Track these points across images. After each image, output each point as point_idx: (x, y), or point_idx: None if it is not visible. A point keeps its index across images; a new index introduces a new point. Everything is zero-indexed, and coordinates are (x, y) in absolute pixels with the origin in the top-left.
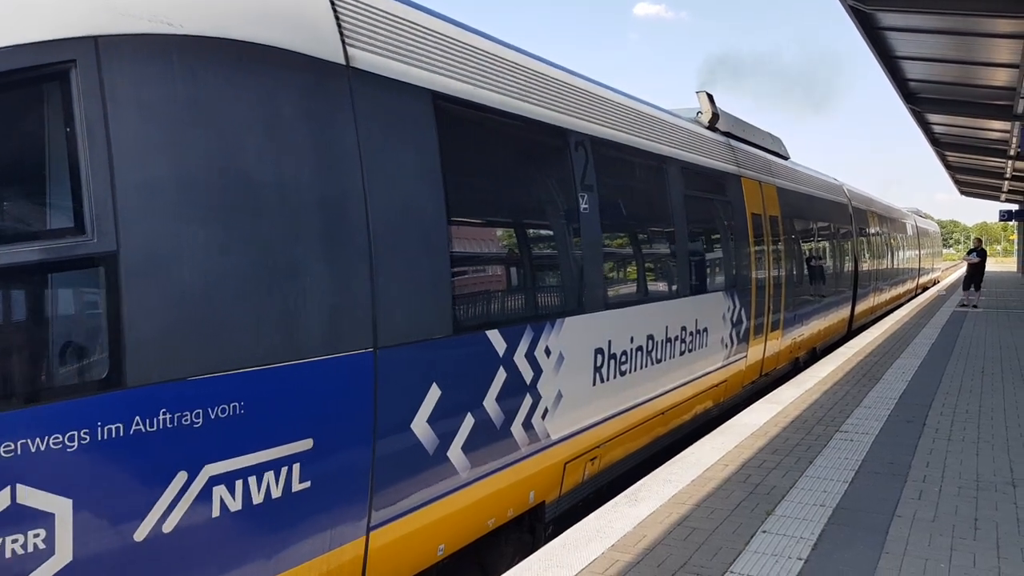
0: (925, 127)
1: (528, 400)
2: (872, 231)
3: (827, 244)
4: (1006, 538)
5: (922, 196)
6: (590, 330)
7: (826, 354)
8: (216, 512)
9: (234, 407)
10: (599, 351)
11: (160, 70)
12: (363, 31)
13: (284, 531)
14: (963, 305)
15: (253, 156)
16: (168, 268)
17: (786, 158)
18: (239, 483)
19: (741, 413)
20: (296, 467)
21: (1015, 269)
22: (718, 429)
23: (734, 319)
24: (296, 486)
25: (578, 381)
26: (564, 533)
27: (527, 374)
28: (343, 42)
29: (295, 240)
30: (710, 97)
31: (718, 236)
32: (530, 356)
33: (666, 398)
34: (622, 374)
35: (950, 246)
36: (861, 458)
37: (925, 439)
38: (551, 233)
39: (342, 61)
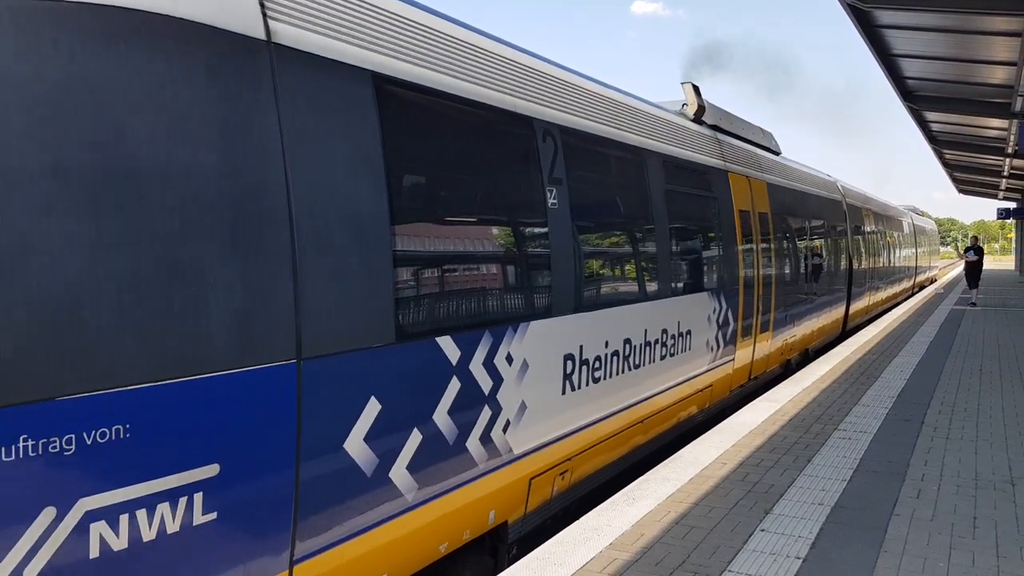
0: (923, 125)
1: (487, 412)
2: (867, 229)
3: (820, 242)
4: (1005, 537)
5: (920, 194)
6: (559, 335)
7: (819, 355)
8: (95, 552)
9: (117, 430)
10: (569, 357)
11: (28, 42)
12: (289, 2)
13: (183, 570)
14: (972, 304)
15: (143, 142)
16: (30, 269)
17: (777, 153)
18: (124, 518)
19: (739, 411)
20: (198, 497)
21: (1013, 267)
22: (716, 428)
23: (720, 321)
24: (198, 518)
25: (545, 390)
26: (561, 531)
27: (485, 384)
28: (264, 14)
29: (197, 237)
30: (696, 88)
31: (703, 234)
32: (489, 364)
33: (646, 405)
34: (596, 381)
35: (947, 244)
36: (859, 457)
37: (924, 437)
38: (513, 230)
39: (262, 36)
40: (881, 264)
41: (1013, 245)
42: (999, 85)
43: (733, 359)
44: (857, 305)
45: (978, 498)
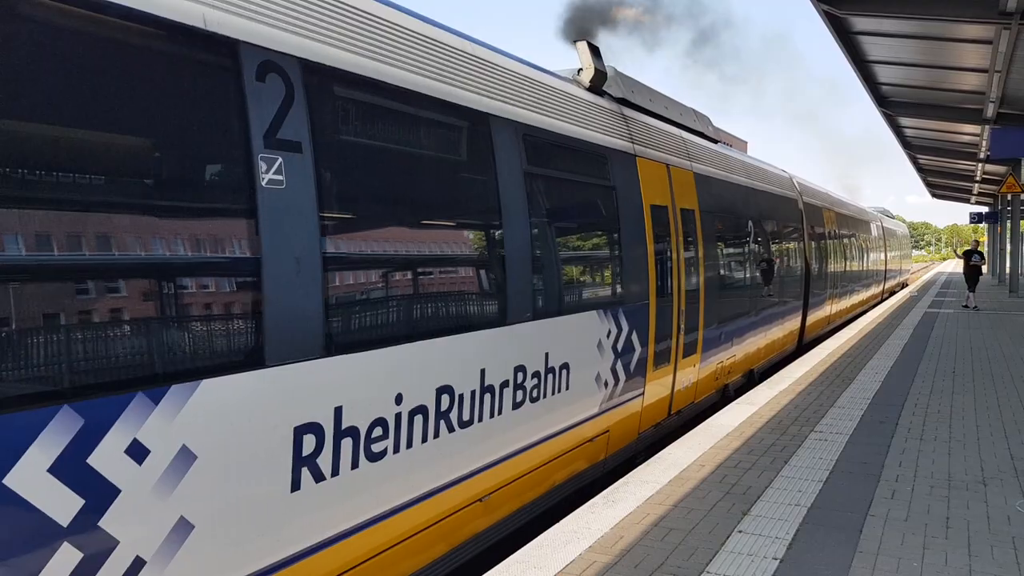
0: (897, 130)
1: (67, 555)
2: (828, 231)
3: (768, 245)
4: (977, 536)
5: (893, 198)
6: (280, 395)
7: (767, 376)
8: None
9: None
10: (309, 430)
11: None
12: None
13: None
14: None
15: None
16: None
17: (715, 141)
18: None
19: (716, 414)
20: None
21: (984, 270)
22: (694, 430)
23: (620, 346)
24: None
25: (244, 491)
26: (541, 535)
27: (59, 506)
28: None
29: None
30: (593, 50)
31: (591, 234)
32: (73, 468)
33: (486, 476)
34: (375, 458)
35: (921, 248)
36: (835, 458)
37: (898, 439)
38: (152, 219)
39: None
40: (845, 269)
41: (985, 249)
42: (971, 91)
43: (642, 393)
44: (816, 315)
45: (951, 499)
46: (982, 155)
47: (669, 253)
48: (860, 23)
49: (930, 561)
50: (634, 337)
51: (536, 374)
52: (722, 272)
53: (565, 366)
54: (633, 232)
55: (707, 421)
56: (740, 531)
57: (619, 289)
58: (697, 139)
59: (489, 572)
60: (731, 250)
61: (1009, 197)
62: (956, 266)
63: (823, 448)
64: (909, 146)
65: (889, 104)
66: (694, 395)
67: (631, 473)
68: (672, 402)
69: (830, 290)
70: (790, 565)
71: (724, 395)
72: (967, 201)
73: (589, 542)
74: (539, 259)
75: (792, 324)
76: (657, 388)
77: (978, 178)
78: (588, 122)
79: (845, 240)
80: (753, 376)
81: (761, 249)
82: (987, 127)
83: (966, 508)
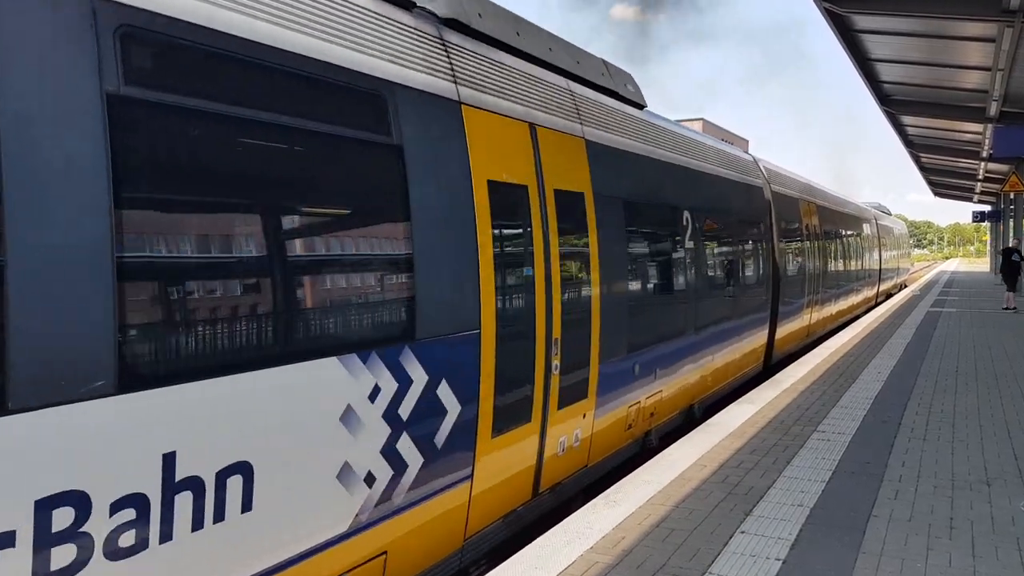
0: (899, 129)
1: None
2: (806, 227)
3: (716, 243)
4: (981, 537)
5: (894, 196)
6: None
7: (712, 414)
8: None
9: None
10: None
11: None
12: None
13: None
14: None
15: None
16: None
17: (640, 106)
18: None
19: (719, 413)
20: None
21: (987, 270)
22: (696, 429)
23: (408, 410)
24: None
25: None
26: (542, 536)
27: None
28: None
29: None
30: None
31: (328, 221)
32: None
33: None
34: None
35: (924, 247)
36: (838, 458)
37: (901, 439)
38: None
39: None
40: (828, 271)
41: (988, 248)
42: (974, 90)
43: (470, 476)
44: (788, 327)
45: (955, 499)
46: (985, 153)
47: (530, 255)
48: (862, 21)
49: (934, 562)
50: (444, 390)
51: (135, 501)
52: (637, 280)
53: (240, 469)
54: (443, 221)
55: (709, 420)
56: (742, 532)
57: (404, 315)
58: (602, 97)
59: (491, 572)
60: (654, 250)
61: (1012, 196)
62: (958, 265)
63: (826, 448)
64: (911, 144)
65: (891, 102)
66: (587, 457)
67: (632, 473)
68: (540, 476)
69: (808, 296)
70: (793, 566)
71: (643, 445)
72: (970, 200)
73: (590, 542)
74: (144, 269)
75: (755, 340)
76: (504, 462)
77: (981, 177)
78: (336, 33)
79: (829, 238)
80: (693, 413)
81: (704, 248)
82: (990, 125)
83: (970, 508)
